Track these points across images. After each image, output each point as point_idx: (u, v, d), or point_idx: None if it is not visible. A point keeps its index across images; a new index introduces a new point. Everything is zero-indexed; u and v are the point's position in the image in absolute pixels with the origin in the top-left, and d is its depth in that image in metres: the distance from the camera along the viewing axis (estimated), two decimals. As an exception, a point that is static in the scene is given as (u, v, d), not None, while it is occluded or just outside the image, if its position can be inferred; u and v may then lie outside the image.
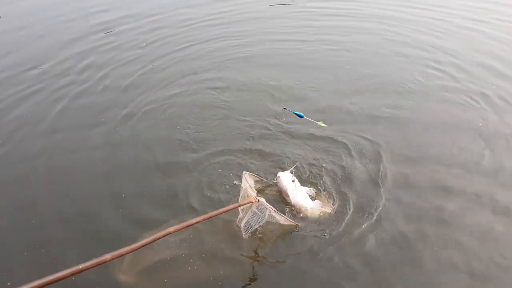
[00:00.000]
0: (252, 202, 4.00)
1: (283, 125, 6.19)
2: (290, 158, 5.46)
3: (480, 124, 6.19)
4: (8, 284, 3.77)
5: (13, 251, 4.26)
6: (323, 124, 4.85)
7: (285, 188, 4.59)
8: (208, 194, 4.84)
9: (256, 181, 4.70)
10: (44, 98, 7.33)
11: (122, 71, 8.31)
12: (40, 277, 2.25)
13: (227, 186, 4.96)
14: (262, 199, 4.03)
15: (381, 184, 4.97)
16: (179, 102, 7.10)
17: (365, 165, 5.33)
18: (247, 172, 4.49)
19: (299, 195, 4.54)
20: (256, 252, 4.15)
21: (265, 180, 4.86)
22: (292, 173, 4.65)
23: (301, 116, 4.85)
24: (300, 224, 4.32)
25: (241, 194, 4.34)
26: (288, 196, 4.58)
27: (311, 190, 4.79)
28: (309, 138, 5.90)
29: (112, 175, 5.34)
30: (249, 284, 3.91)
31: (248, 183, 4.22)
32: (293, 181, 4.56)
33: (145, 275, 3.84)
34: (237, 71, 8.20)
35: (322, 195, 4.76)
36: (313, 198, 4.66)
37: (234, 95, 7.29)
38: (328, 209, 4.51)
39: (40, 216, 4.72)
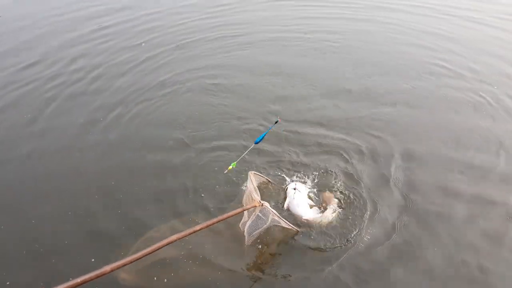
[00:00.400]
0: (256, 206, 3.92)
1: (282, 121, 6.02)
2: (290, 155, 5.37)
3: (489, 117, 6.20)
4: (8, 283, 3.75)
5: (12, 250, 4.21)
6: (230, 167, 4.29)
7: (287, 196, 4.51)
8: (203, 195, 4.75)
9: (262, 182, 4.60)
10: (35, 95, 7.11)
11: (116, 66, 8.11)
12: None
13: (223, 186, 4.87)
14: (266, 204, 3.94)
15: (390, 188, 4.88)
16: (176, 98, 6.95)
17: (371, 165, 5.24)
18: (253, 172, 4.37)
19: (296, 205, 4.39)
20: (256, 256, 4.10)
21: (272, 181, 4.73)
22: (295, 182, 4.53)
23: (256, 142, 4.32)
24: (300, 230, 4.24)
25: (245, 194, 4.24)
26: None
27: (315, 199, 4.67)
28: (310, 131, 5.84)
29: (103, 174, 5.21)
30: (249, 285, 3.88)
31: (253, 185, 4.11)
32: (294, 188, 4.44)
33: (146, 273, 3.80)
34: (235, 66, 8.02)
35: (323, 202, 4.64)
36: (312, 206, 4.52)
37: (232, 90, 7.13)
38: (329, 217, 4.40)
39: (31, 214, 4.63)
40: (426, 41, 8.88)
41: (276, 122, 4.37)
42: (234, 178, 4.92)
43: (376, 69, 7.71)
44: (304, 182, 4.85)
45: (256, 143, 4.27)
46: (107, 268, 2.40)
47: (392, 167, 5.17)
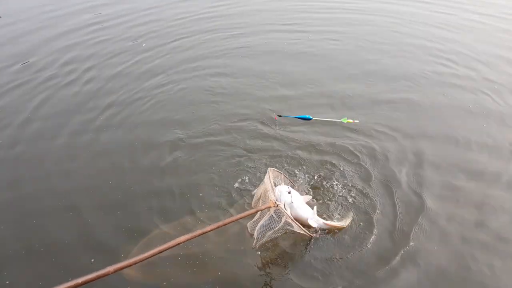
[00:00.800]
0: (270, 206, 3.75)
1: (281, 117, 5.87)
2: (290, 155, 5.17)
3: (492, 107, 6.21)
4: (7, 282, 3.69)
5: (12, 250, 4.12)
6: (349, 120, 4.18)
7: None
8: (201, 195, 4.60)
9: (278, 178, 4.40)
10: (28, 91, 7.00)
11: (110, 64, 7.95)
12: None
13: (222, 185, 4.73)
14: (281, 205, 3.77)
15: (403, 186, 4.71)
16: (171, 95, 6.80)
17: (383, 160, 5.07)
18: (272, 168, 4.17)
19: (296, 207, 4.09)
20: (261, 258, 3.97)
21: (291, 180, 4.52)
22: (285, 185, 4.23)
23: (308, 119, 4.17)
24: (314, 235, 4.08)
25: (259, 192, 4.08)
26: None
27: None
28: (312, 127, 5.66)
29: (98, 173, 5.06)
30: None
31: (271, 183, 3.92)
32: (289, 192, 4.09)
33: (150, 270, 3.72)
34: (234, 61, 7.86)
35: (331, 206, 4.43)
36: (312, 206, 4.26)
37: (230, 86, 6.98)
38: (337, 225, 4.19)
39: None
40: (430, 35, 8.77)
41: (280, 116, 4.38)
42: (230, 180, 4.80)
43: (381, 62, 7.61)
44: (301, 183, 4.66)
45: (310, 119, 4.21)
46: (110, 268, 2.29)
47: (405, 161, 5.05)
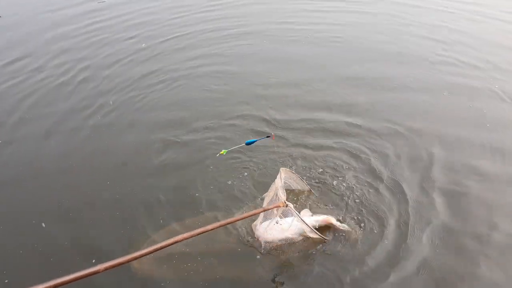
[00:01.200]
0: (280, 206, 3.57)
1: (280, 115, 5.76)
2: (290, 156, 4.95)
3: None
4: (6, 281, 3.64)
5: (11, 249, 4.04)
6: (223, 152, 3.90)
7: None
8: (197, 194, 4.42)
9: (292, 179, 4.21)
10: (21, 87, 6.89)
11: (107, 59, 7.85)
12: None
13: (218, 183, 4.57)
14: (291, 205, 3.58)
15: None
16: (167, 87, 6.67)
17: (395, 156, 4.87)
18: (285, 169, 3.99)
19: (286, 228, 3.82)
20: (268, 257, 3.78)
21: (305, 181, 4.34)
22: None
23: (247, 143, 3.91)
24: (327, 238, 3.86)
25: (271, 194, 3.89)
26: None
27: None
28: (314, 123, 5.55)
29: (90, 170, 4.94)
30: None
31: (281, 182, 3.75)
32: (276, 222, 3.80)
33: (158, 265, 3.64)
34: (232, 56, 7.72)
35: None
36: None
37: (227, 80, 6.84)
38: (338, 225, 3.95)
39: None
40: (434, 34, 8.51)
41: (267, 137, 3.91)
42: (227, 178, 4.63)
43: (385, 58, 7.45)
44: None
45: (247, 144, 3.87)
46: (100, 267, 2.17)
47: (415, 158, 4.85)
